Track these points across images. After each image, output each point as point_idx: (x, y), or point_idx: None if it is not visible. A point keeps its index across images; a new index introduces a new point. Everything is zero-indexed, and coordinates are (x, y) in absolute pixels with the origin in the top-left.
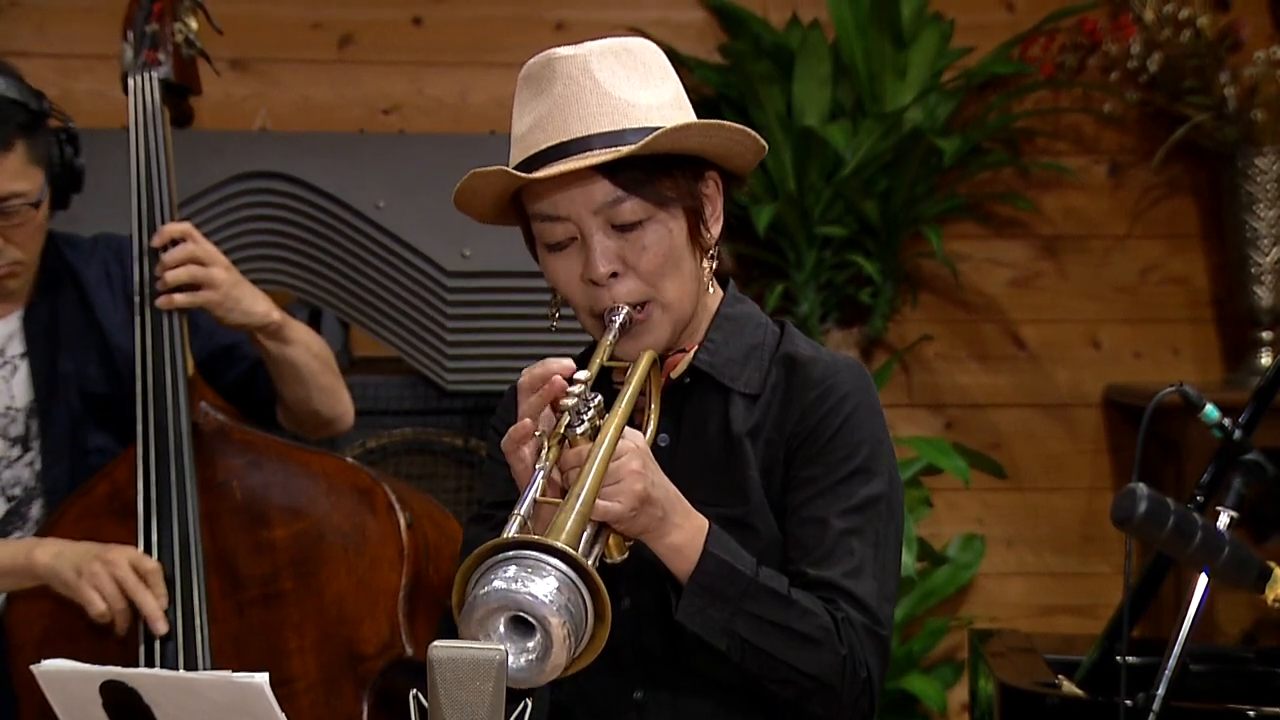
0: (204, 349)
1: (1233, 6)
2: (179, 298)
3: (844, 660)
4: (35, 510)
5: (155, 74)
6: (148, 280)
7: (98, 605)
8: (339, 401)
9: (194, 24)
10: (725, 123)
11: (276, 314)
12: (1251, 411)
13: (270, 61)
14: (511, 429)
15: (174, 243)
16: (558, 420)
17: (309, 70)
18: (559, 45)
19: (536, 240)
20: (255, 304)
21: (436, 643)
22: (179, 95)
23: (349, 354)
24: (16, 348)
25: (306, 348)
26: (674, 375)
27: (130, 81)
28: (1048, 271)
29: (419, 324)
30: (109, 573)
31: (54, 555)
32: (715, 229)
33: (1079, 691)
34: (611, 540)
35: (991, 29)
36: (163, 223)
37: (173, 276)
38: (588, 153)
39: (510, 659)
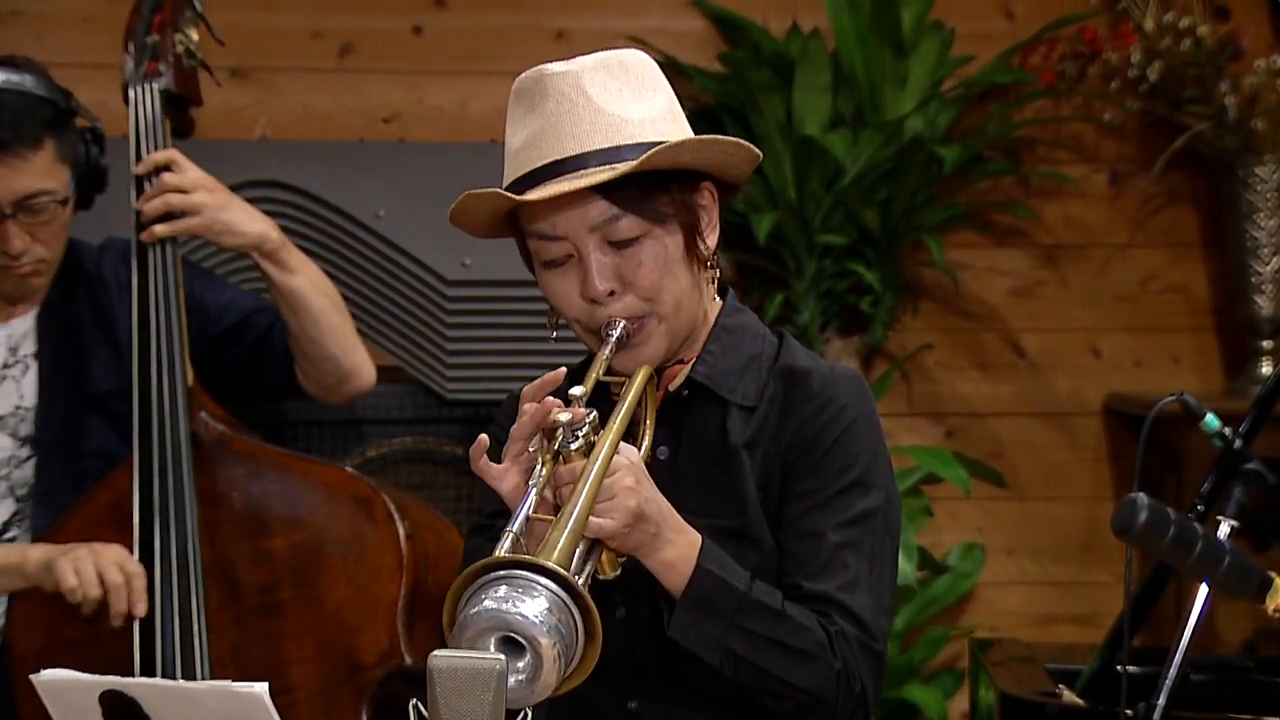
0: (216, 329)
1: (1233, 15)
2: (159, 228)
3: (838, 674)
4: (32, 510)
5: (156, 85)
6: (149, 285)
7: (70, 580)
8: (355, 348)
9: (195, 35)
10: (719, 137)
11: (275, 234)
12: (1252, 420)
13: (270, 70)
14: (473, 447)
15: (159, 172)
16: (552, 437)
17: (309, 79)
18: (560, 54)
19: (533, 257)
20: (249, 225)
21: (436, 652)
22: (180, 106)
23: None
24: (29, 347)
25: (310, 280)
26: (672, 388)
27: (131, 93)
28: (1048, 280)
29: (419, 333)
30: (93, 561)
31: (47, 550)
32: (712, 239)
33: (1079, 701)
34: (604, 557)
35: (992, 38)
36: (166, 239)
37: (150, 208)
38: (582, 171)
39: None
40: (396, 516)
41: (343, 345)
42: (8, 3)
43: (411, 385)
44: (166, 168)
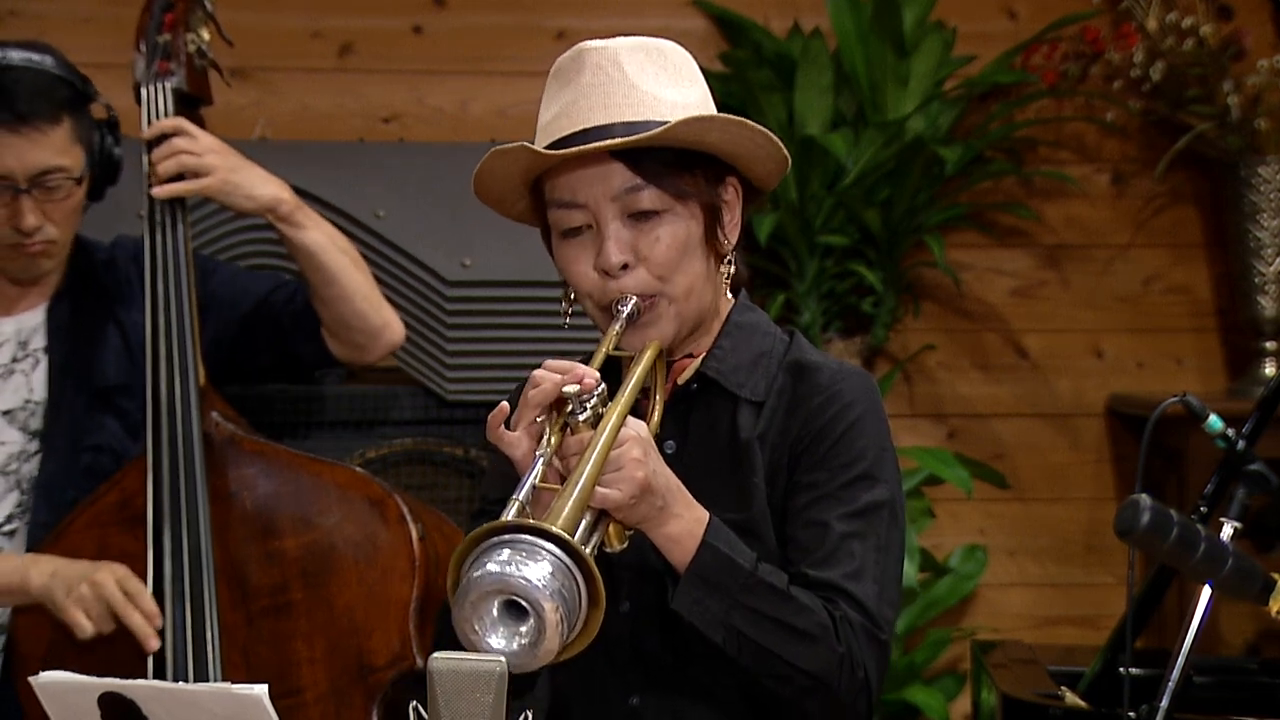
0: (234, 314)
1: (1236, 15)
2: (172, 186)
3: (841, 658)
4: (33, 503)
5: (168, 84)
6: (160, 285)
7: (85, 627)
8: (381, 304)
9: (206, 35)
10: (749, 121)
11: (288, 196)
12: (1255, 422)
13: (270, 70)
14: (491, 414)
15: (166, 137)
16: (560, 408)
17: (309, 79)
18: (560, 54)
19: (552, 228)
20: (260, 188)
21: (436, 654)
22: (190, 106)
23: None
24: (40, 341)
25: (329, 237)
26: (681, 381)
27: (143, 92)
28: (1050, 281)
29: (419, 334)
30: (95, 594)
31: (49, 575)
32: (733, 235)
33: (1081, 703)
34: (611, 529)
35: (994, 37)
36: (175, 231)
37: (163, 169)
38: (609, 140)
39: (503, 643)
40: (409, 518)
41: (369, 301)
42: (6, 3)
43: (411, 386)
44: (174, 135)
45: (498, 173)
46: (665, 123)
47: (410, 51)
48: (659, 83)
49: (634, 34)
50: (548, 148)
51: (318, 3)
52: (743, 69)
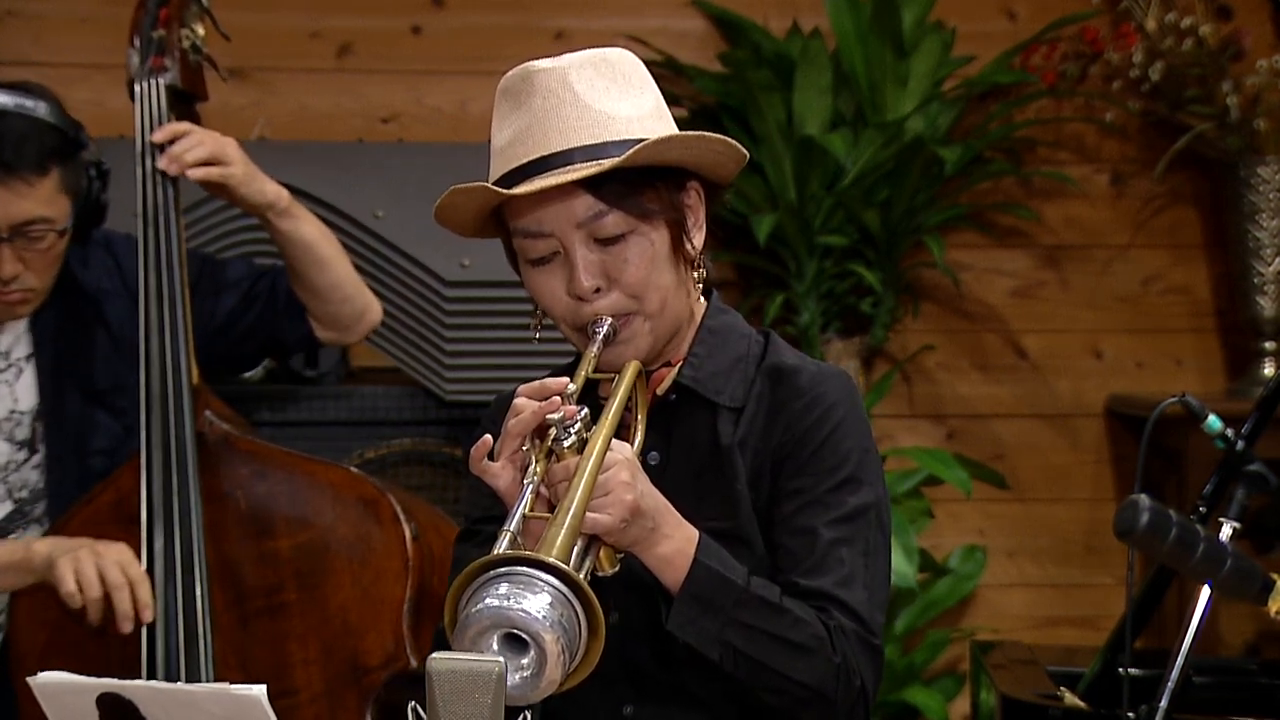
0: (218, 308)
1: (1235, 15)
2: (203, 171)
3: (838, 669)
4: (39, 510)
5: (161, 80)
6: (153, 283)
7: (69, 584)
8: (363, 289)
9: (201, 30)
10: (707, 134)
11: (286, 193)
12: (1254, 422)
13: (269, 70)
14: (474, 447)
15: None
16: (544, 434)
17: (307, 79)
18: (558, 54)
19: (518, 255)
20: (267, 184)
21: (435, 655)
22: (185, 102)
23: (347, 364)
24: (23, 350)
25: (317, 226)
26: (659, 392)
27: (136, 88)
28: (1049, 281)
29: (418, 334)
30: (95, 562)
31: (51, 545)
32: (698, 239)
33: (1081, 703)
34: (602, 553)
35: (993, 38)
36: (169, 229)
37: (193, 156)
38: (569, 167)
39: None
40: (403, 518)
41: (356, 285)
42: (4, 3)
43: (410, 387)
44: (186, 134)
45: (460, 206)
46: (623, 141)
47: (409, 52)
48: (610, 97)
49: (634, 34)
50: (506, 176)
51: (317, 3)
52: (742, 69)
